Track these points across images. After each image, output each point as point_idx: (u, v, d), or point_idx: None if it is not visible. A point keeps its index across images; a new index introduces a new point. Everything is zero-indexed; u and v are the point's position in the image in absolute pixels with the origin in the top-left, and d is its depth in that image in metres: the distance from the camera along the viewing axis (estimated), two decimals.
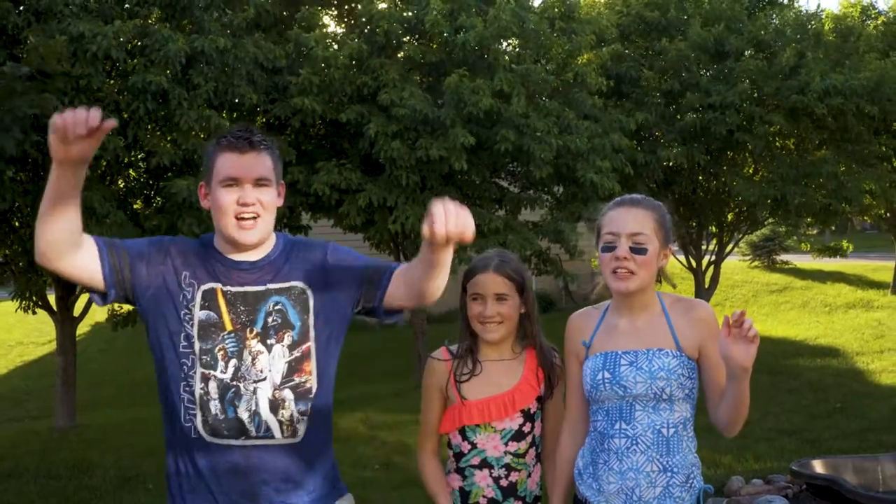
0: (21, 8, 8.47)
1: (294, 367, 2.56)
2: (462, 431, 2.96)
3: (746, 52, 14.22)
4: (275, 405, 2.54)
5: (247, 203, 2.51)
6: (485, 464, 2.94)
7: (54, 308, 10.54)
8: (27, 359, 18.74)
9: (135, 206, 10.08)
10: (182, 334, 2.53)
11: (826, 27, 15.90)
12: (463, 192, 11.44)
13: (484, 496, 2.95)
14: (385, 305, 2.66)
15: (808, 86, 13.38)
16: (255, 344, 2.54)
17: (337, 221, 11.66)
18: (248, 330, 2.54)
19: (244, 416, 2.51)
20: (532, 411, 2.97)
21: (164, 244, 2.62)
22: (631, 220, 2.71)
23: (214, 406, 2.51)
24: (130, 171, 10.43)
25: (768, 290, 21.30)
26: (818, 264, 22.16)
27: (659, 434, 2.68)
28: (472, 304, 2.98)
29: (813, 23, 15.45)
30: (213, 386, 2.51)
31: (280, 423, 2.54)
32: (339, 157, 10.98)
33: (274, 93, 10.61)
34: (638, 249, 2.68)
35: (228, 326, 2.54)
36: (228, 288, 2.56)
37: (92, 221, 8.29)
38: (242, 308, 2.55)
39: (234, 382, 2.51)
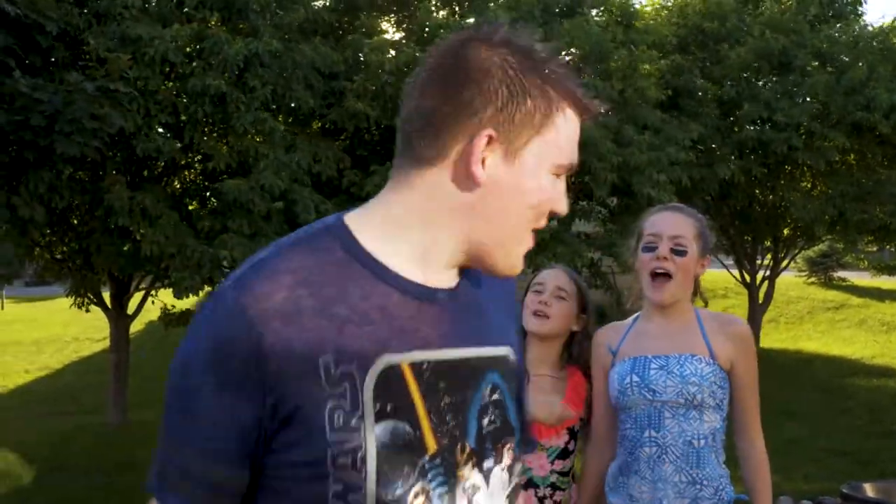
0: (85, 10, 8.64)
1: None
2: None
3: (809, 67, 14.02)
4: None
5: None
6: (530, 483, 2.85)
7: (108, 305, 10.70)
8: (82, 354, 19.04)
9: (190, 207, 10.20)
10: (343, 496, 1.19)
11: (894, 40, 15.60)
12: None
13: None
14: None
15: (874, 101, 13.14)
16: (469, 473, 1.30)
17: None
18: (458, 446, 1.28)
19: None
20: (576, 429, 2.91)
21: (251, 356, 1.17)
22: (673, 223, 2.73)
23: None
24: (186, 172, 10.57)
25: (825, 307, 20.92)
26: (876, 282, 21.73)
27: (689, 445, 2.64)
28: (530, 296, 2.93)
29: (880, 38, 15.16)
30: None
31: None
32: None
33: (331, 97, 10.68)
34: (678, 251, 2.68)
35: (431, 444, 1.25)
36: (425, 355, 1.26)
37: (145, 223, 8.41)
38: (449, 400, 1.27)
39: None
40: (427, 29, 11.13)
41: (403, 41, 12.12)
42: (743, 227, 15.94)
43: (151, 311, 12.23)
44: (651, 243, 2.71)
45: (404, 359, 1.23)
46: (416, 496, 1.22)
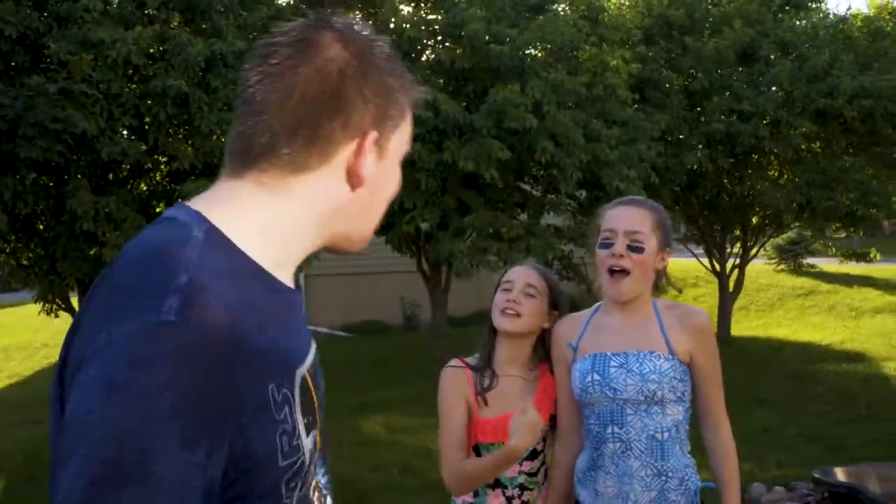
0: (45, 14, 8.53)
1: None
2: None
3: (772, 56, 14.15)
4: None
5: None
6: (498, 483, 2.84)
7: (77, 310, 10.57)
8: (53, 361, 18.86)
9: (157, 210, 10.11)
10: None
11: (855, 27, 15.73)
12: (486, 197, 11.39)
13: None
14: None
15: (836, 88, 13.29)
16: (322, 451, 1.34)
17: None
18: (322, 431, 1.31)
19: None
20: (545, 429, 2.88)
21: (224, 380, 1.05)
22: (629, 218, 2.70)
23: None
24: (154, 175, 10.47)
25: (794, 293, 21.08)
26: (845, 268, 21.92)
27: (653, 439, 2.65)
28: (499, 294, 2.88)
29: (842, 25, 15.32)
30: None
31: None
32: None
33: None
34: (635, 248, 2.66)
35: (319, 440, 1.27)
36: (311, 357, 1.28)
37: (109, 227, 8.32)
38: (319, 395, 1.29)
39: None
40: (392, 24, 11.08)
41: None
42: (712, 216, 16.03)
43: None
44: (607, 239, 2.70)
45: (305, 366, 1.22)
46: (314, 490, 1.26)
